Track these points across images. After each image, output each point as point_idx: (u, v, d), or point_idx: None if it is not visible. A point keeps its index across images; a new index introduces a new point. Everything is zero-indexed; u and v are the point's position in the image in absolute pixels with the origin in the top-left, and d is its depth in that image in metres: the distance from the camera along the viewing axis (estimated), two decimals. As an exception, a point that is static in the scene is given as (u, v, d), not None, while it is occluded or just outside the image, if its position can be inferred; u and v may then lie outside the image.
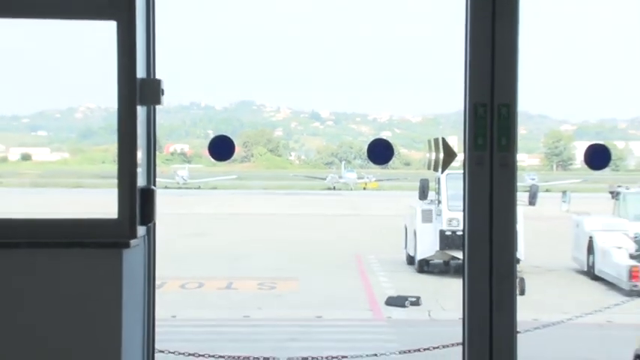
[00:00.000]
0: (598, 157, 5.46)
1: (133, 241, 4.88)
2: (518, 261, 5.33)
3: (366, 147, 5.50)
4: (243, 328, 16.21)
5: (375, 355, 13.64)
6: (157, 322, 5.35)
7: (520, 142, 5.24)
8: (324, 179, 26.78)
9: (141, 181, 5.06)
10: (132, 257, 4.94)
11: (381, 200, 25.34)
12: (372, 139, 5.50)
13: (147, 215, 5.08)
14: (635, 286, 16.13)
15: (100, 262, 4.80)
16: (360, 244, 23.53)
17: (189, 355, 12.35)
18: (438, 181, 18.95)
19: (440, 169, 5.81)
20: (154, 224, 5.22)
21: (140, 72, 5.02)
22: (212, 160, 5.32)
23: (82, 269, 4.80)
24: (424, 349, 12.48)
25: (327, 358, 13.14)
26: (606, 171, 5.48)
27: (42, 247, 4.85)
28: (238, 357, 13.10)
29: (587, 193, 21.08)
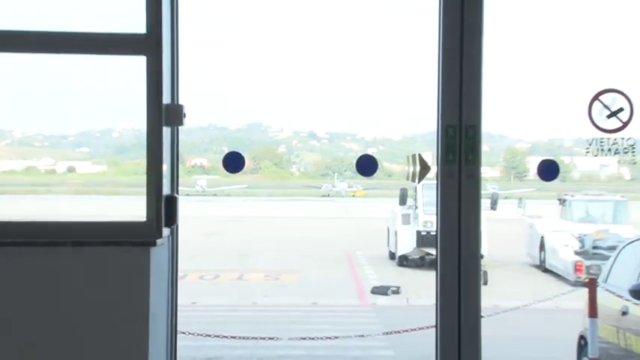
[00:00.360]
0: (548, 170, 5.45)
1: (159, 241, 4.86)
2: (481, 256, 5.32)
3: (354, 161, 5.49)
4: (252, 312, 16.24)
5: (362, 335, 13.65)
6: (179, 308, 5.35)
7: (483, 158, 5.23)
8: (320, 188, 26.87)
9: (166, 190, 5.03)
10: (158, 254, 4.92)
11: (368, 206, 25.34)
12: (359, 154, 5.48)
13: (171, 218, 5.07)
14: (579, 277, 16.14)
15: (132, 257, 4.77)
16: (349, 243, 23.54)
17: (206, 335, 12.34)
18: (415, 190, 18.95)
19: (417, 180, 5.80)
20: (177, 226, 5.21)
21: (166, 98, 5.00)
22: (226, 172, 5.30)
23: (117, 264, 4.78)
24: (403, 331, 12.47)
25: (321, 338, 13.14)
26: (555, 182, 5.46)
27: (84, 246, 4.82)
28: (247, 337, 13.09)
29: (539, 200, 21.09)
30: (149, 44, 4.92)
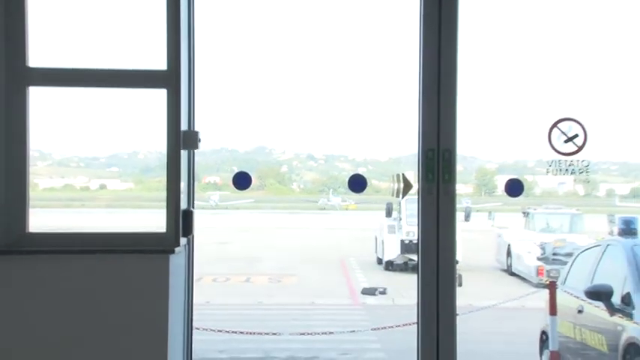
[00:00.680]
0: (514, 188, 5.46)
1: (177, 249, 4.85)
2: (457, 262, 5.31)
3: (347, 179, 5.50)
4: (258, 311, 16.21)
5: (354, 331, 13.62)
6: (194, 307, 5.33)
7: (458, 176, 5.22)
8: (317, 202, 26.89)
9: (183, 205, 5.03)
10: (176, 260, 4.91)
11: (358, 218, 25.30)
12: (351, 173, 5.48)
13: (187, 229, 5.06)
14: (541, 280, 16.14)
15: (153, 264, 4.75)
16: (343, 250, 23.51)
17: (218, 330, 12.31)
18: (400, 205, 18.94)
19: (401, 196, 5.79)
20: (193, 236, 5.20)
21: (183, 125, 5.00)
22: (235, 189, 5.29)
23: (140, 269, 4.76)
24: (389, 327, 12.46)
25: (318, 333, 13.11)
26: (520, 197, 5.45)
27: (112, 253, 4.81)
28: (253, 332, 13.07)
29: (506, 213, 21.05)
30: (169, 79, 4.91)
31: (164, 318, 4.74)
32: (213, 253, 20.32)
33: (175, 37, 4.91)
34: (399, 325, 11.13)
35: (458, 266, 5.37)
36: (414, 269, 5.33)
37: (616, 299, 8.97)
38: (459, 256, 5.34)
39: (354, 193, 5.48)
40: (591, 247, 10.78)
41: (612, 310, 8.94)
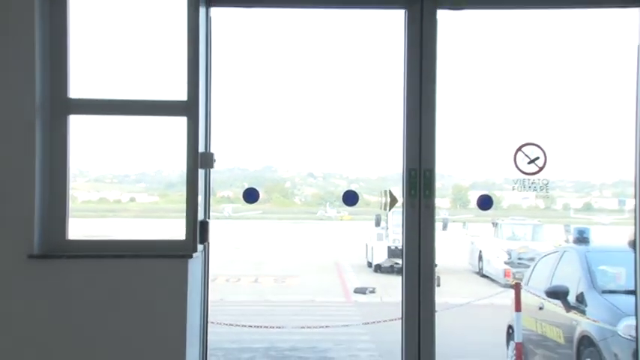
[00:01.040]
0: (485, 202, 5.45)
1: (194, 254, 4.84)
2: (435, 265, 5.29)
3: (341, 194, 5.49)
4: (264, 307, 16.16)
5: (347, 325, 13.60)
6: (209, 304, 5.32)
7: (437, 192, 5.21)
8: (316, 213, 26.96)
9: (200, 216, 5.02)
10: (194, 264, 4.90)
11: (351, 227, 25.31)
12: (345, 189, 5.47)
13: (204, 237, 5.05)
14: (508, 281, 16.13)
15: (175, 267, 4.74)
16: (338, 254, 23.51)
17: (230, 324, 12.30)
18: (387, 216, 18.96)
19: (388, 209, 5.78)
20: (208, 243, 5.18)
21: (201, 148, 5.00)
22: (245, 203, 5.30)
23: (163, 271, 4.75)
24: (378, 322, 12.42)
25: (316, 327, 13.10)
26: (490, 210, 5.45)
27: (139, 258, 4.80)
28: (260, 326, 13.07)
29: (478, 223, 21.06)
30: (189, 109, 4.91)
31: (183, 313, 4.73)
32: (227, 256, 20.33)
33: (194, 73, 4.91)
34: (386, 320, 11.10)
35: (436, 269, 5.35)
36: (399, 271, 5.31)
37: (571, 298, 8.99)
38: (437, 260, 5.31)
39: (347, 206, 5.46)
40: (550, 253, 10.79)
41: (568, 307, 8.95)
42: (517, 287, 10.10)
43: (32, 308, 4.73)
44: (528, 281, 10.52)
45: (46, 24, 4.89)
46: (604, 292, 8.76)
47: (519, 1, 5.34)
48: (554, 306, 9.24)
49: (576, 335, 8.68)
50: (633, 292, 5.44)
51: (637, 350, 5.39)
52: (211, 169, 5.19)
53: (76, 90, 5.01)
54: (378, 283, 18.27)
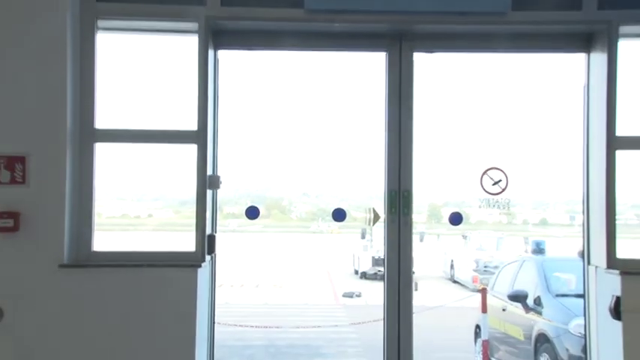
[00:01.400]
0: (455, 218, 5.47)
1: (203, 264, 4.84)
2: (413, 272, 5.29)
3: (332, 211, 5.48)
4: (264, 309, 16.15)
5: (336, 325, 13.60)
6: (216, 307, 5.31)
7: (414, 209, 5.22)
8: (310, 227, 26.98)
9: (208, 230, 5.02)
10: (203, 272, 4.89)
11: (341, 239, 25.34)
12: (335, 207, 5.48)
13: (211, 249, 5.05)
14: (476, 286, 16.14)
15: (186, 275, 4.73)
16: (329, 263, 23.51)
17: (234, 325, 12.28)
18: (371, 230, 19.01)
19: (372, 224, 5.79)
20: (215, 254, 5.18)
21: (209, 171, 5.01)
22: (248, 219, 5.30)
23: (175, 278, 4.74)
24: (363, 322, 12.41)
25: (310, 327, 13.09)
26: (460, 225, 5.46)
27: (154, 267, 4.79)
28: (261, 326, 13.04)
29: (450, 236, 21.10)
30: (198, 137, 4.91)
31: (193, 315, 4.71)
32: (232, 265, 20.30)
33: (204, 106, 4.92)
34: (370, 321, 11.08)
35: (414, 276, 5.35)
36: (381, 278, 5.29)
37: (530, 301, 9.02)
38: (414, 268, 5.32)
39: (336, 222, 5.46)
40: (512, 262, 10.83)
41: (527, 309, 8.98)
42: (483, 292, 10.11)
43: (63, 310, 4.71)
44: (493, 286, 10.54)
45: (77, 63, 4.90)
46: (557, 295, 8.79)
47: (482, 46, 5.36)
48: (516, 308, 9.26)
49: (534, 333, 8.72)
50: (582, 296, 5.46)
51: (586, 346, 5.39)
52: (218, 190, 5.20)
53: (102, 121, 5.01)
54: (364, 288, 18.26)
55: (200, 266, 4.79)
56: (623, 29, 5.01)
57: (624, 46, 5.02)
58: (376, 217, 5.61)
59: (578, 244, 5.46)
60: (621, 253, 4.93)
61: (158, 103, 5.18)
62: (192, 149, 4.91)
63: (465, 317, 11.60)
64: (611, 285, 4.86)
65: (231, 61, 5.36)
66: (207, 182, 4.93)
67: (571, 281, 8.77)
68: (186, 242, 4.91)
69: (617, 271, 4.80)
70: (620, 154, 4.98)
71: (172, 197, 5.43)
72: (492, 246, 19.33)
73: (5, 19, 4.72)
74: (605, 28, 5.00)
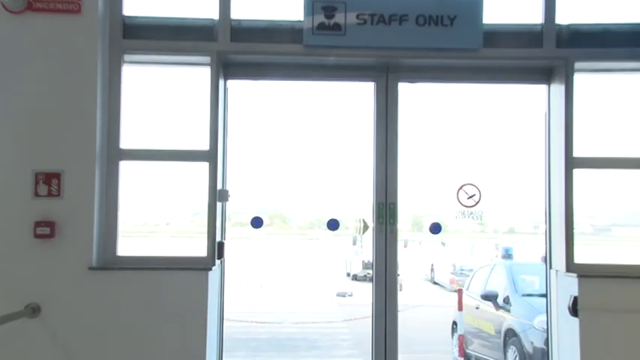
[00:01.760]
0: (435, 227, 5.47)
1: (213, 267, 4.84)
2: (398, 275, 5.29)
3: (327, 221, 5.47)
4: (268, 307, 16.06)
5: (331, 321, 13.54)
6: (224, 305, 5.31)
7: (399, 219, 5.23)
8: (308, 235, 26.94)
9: (218, 238, 5.03)
10: (213, 275, 4.89)
11: (335, 246, 25.28)
12: (329, 218, 5.49)
13: (220, 254, 5.06)
14: (453, 287, 16.09)
15: (198, 277, 4.73)
16: (324, 266, 23.41)
17: (241, 321, 12.25)
18: (361, 238, 18.94)
19: (362, 232, 5.80)
20: (224, 259, 5.19)
21: (219, 186, 5.02)
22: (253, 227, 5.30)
23: (189, 280, 4.73)
24: (354, 319, 12.37)
25: (308, 323, 13.04)
26: (439, 234, 5.48)
27: (171, 270, 4.79)
28: (264, 322, 12.99)
29: (431, 243, 21.04)
30: (210, 156, 4.94)
31: (204, 312, 4.72)
32: (237, 268, 20.23)
33: (214, 129, 4.95)
34: (361, 317, 11.05)
35: (399, 278, 5.35)
36: (370, 280, 5.30)
37: (500, 300, 9.00)
38: (399, 271, 5.32)
39: (331, 230, 5.47)
40: (484, 266, 10.81)
41: (497, 307, 8.97)
42: (460, 292, 10.10)
43: (91, 307, 4.72)
44: (468, 287, 10.52)
45: (105, 92, 4.93)
46: (524, 295, 8.79)
47: (457, 78, 5.40)
48: (487, 306, 9.25)
49: (503, 328, 8.70)
50: (545, 296, 5.47)
51: (548, 339, 5.40)
52: (227, 202, 5.21)
53: (126, 141, 5.03)
54: (355, 288, 18.17)
55: (211, 269, 4.80)
56: (578, 65, 5.07)
57: (579, 79, 5.08)
58: (366, 227, 5.60)
59: (542, 251, 5.48)
60: (578, 258, 4.96)
61: (175, 126, 5.19)
62: (204, 167, 4.94)
63: (444, 314, 11.57)
64: (569, 286, 4.88)
65: (239, 89, 5.38)
66: (217, 195, 4.95)
67: (535, 283, 8.76)
68: (198, 248, 4.91)
69: (575, 275, 4.82)
70: (577, 172, 5.02)
71: (187, 208, 5.43)
72: (467, 251, 19.27)
73: (45, 52, 4.76)
74: (563, 64, 5.06)
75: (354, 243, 21.12)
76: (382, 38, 4.95)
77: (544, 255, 5.37)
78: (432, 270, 19.78)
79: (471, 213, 5.80)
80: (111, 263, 4.88)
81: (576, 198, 4.97)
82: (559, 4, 5.11)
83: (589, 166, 5.05)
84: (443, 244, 20.76)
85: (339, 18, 4.95)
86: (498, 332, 8.80)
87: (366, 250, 20.24)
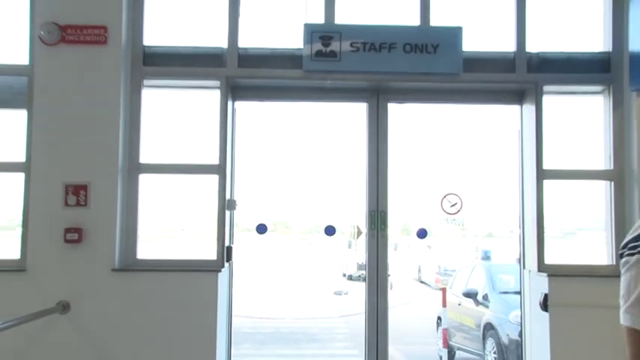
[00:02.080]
0: (422, 232, 5.48)
1: (222, 269, 4.84)
2: (389, 275, 5.30)
3: (324, 227, 5.46)
4: (272, 304, 16.01)
5: (328, 317, 13.52)
6: (232, 302, 5.29)
7: (389, 225, 5.24)
8: (307, 240, 26.93)
9: (227, 242, 5.04)
10: (222, 276, 4.89)
11: (331, 249, 25.26)
12: (327, 224, 5.49)
13: (229, 257, 5.06)
14: (438, 286, 16.08)
15: (209, 278, 4.74)
16: (322, 268, 23.37)
17: (247, 316, 12.23)
18: (356, 242, 18.91)
19: (356, 237, 5.80)
20: (232, 262, 5.19)
21: (227, 196, 5.03)
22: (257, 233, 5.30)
23: (201, 281, 4.73)
24: (349, 315, 12.37)
25: (308, 318, 13.02)
26: (426, 238, 5.49)
27: (184, 271, 4.80)
28: (268, 317, 12.97)
29: (418, 246, 21.03)
30: (219, 169, 4.96)
31: (214, 309, 4.72)
32: (244, 270, 20.19)
33: (224, 145, 4.97)
34: (355, 313, 11.06)
35: (389, 277, 5.36)
36: (364, 279, 5.30)
37: (479, 297, 9.01)
38: (390, 271, 5.33)
39: (328, 236, 5.48)
40: (466, 267, 10.83)
41: (477, 303, 8.98)
42: (444, 290, 10.09)
43: (114, 304, 4.74)
44: (451, 286, 10.52)
45: (127, 112, 4.97)
46: (500, 292, 8.80)
47: (441, 99, 5.42)
48: (468, 303, 9.26)
49: (482, 322, 8.71)
50: (519, 293, 5.48)
51: (521, 331, 5.41)
52: (234, 210, 5.22)
53: (145, 156, 5.06)
54: (350, 287, 18.16)
55: (220, 271, 4.81)
56: (546, 88, 5.12)
57: (547, 100, 5.12)
58: (359, 232, 5.61)
59: (516, 253, 5.49)
60: (548, 259, 4.97)
61: (188, 142, 5.20)
62: (214, 179, 4.96)
63: (429, 310, 11.58)
64: (540, 284, 4.89)
65: (246, 110, 5.41)
66: (226, 204, 4.97)
67: (511, 281, 8.78)
68: (209, 252, 4.92)
69: (545, 274, 4.84)
70: (547, 183, 5.04)
71: (199, 216, 5.44)
72: (450, 254, 19.29)
73: (75, 78, 4.81)
74: (533, 87, 5.10)
75: (350, 246, 21.11)
76: (373, 64, 4.99)
77: (518, 256, 5.38)
78: (419, 270, 19.76)
79: (454, 219, 5.83)
80: (131, 265, 4.89)
81: (546, 205, 5.00)
82: (529, 35, 5.16)
83: (557, 177, 5.07)
84: (429, 247, 20.76)
85: (334, 46, 4.98)
86: (478, 326, 8.80)
87: (360, 253, 20.20)
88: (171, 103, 5.29)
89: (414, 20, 5.13)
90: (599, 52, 5.18)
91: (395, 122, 5.29)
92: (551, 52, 5.17)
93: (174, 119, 5.26)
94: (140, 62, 5.04)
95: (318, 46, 4.98)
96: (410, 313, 13.26)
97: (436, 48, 4.98)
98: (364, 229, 5.27)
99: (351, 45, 4.97)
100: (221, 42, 5.09)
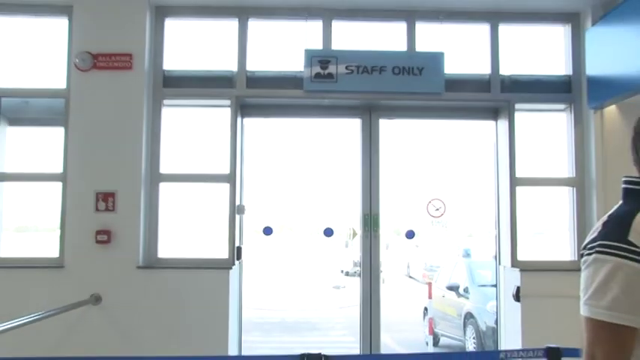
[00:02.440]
0: (410, 234, 5.50)
1: (233, 267, 4.85)
2: (381, 271, 5.31)
3: (323, 229, 5.49)
4: (278, 297, 15.98)
5: (328, 309, 13.50)
6: (242, 295, 5.29)
7: (381, 227, 5.25)
8: (309, 240, 26.85)
9: (237, 243, 5.05)
10: (233, 273, 4.90)
11: (330, 248, 25.17)
12: (325, 226, 5.51)
13: (239, 256, 5.07)
14: (424, 280, 16.03)
15: (221, 275, 4.73)
16: (322, 264, 23.29)
17: (256, 308, 12.21)
18: (352, 242, 18.83)
19: (352, 237, 5.82)
20: (242, 260, 5.20)
21: (237, 201, 5.05)
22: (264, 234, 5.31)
23: (214, 277, 4.73)
24: (347, 306, 12.35)
25: (310, 310, 13.00)
26: (413, 238, 5.51)
27: (199, 269, 4.80)
28: (275, 309, 12.96)
29: (407, 246, 20.94)
30: (230, 178, 4.98)
31: (226, 302, 4.73)
32: (253, 267, 20.12)
33: (233, 156, 5.00)
34: (352, 305, 11.05)
35: (381, 273, 5.37)
36: (359, 275, 5.31)
37: (461, 290, 9.01)
38: (382, 268, 5.35)
39: (327, 237, 5.49)
40: (449, 263, 10.82)
41: (459, 295, 8.98)
42: (430, 284, 10.09)
43: (139, 297, 4.76)
44: (436, 280, 10.52)
45: (149, 128, 5.01)
46: (479, 285, 8.80)
47: (426, 115, 5.46)
48: (451, 295, 9.26)
49: (463, 312, 8.70)
50: (495, 285, 5.49)
51: (497, 320, 5.42)
52: (243, 215, 5.23)
53: (165, 167, 5.08)
54: (347, 282, 18.10)
55: (231, 268, 4.82)
56: (518, 106, 5.16)
57: (519, 117, 5.17)
58: (355, 233, 5.63)
59: (493, 250, 5.52)
60: (520, 256, 5.01)
61: (202, 154, 5.22)
62: (225, 187, 4.99)
63: (417, 302, 11.56)
64: (513, 278, 4.92)
65: (253, 125, 5.43)
66: (236, 209, 4.99)
67: (488, 276, 8.77)
68: (221, 251, 4.93)
69: (518, 269, 4.87)
70: (519, 189, 5.08)
71: (212, 219, 5.46)
72: (435, 252, 19.24)
73: (105, 99, 4.85)
74: (506, 105, 5.15)
75: (346, 246, 21.03)
76: (366, 84, 5.01)
77: (495, 254, 5.40)
78: (408, 267, 19.71)
79: (438, 221, 5.84)
80: (154, 263, 4.91)
81: (519, 209, 5.04)
82: (502, 59, 5.21)
83: (528, 184, 5.11)
84: (416, 246, 20.75)
85: (331, 69, 5.01)
86: (459, 315, 8.80)
87: (355, 251, 20.16)
88: (187, 120, 5.32)
89: (402, 46, 5.17)
90: (562, 75, 5.23)
91: (385, 136, 5.31)
92: (521, 74, 5.22)
93: (190, 134, 5.28)
94: (160, 84, 5.09)
95: (317, 69, 5.01)
96: (400, 305, 13.23)
97: (421, 70, 5.02)
98: (359, 231, 5.28)
99: (346, 68, 5.01)
100: (231, 66, 5.13)
